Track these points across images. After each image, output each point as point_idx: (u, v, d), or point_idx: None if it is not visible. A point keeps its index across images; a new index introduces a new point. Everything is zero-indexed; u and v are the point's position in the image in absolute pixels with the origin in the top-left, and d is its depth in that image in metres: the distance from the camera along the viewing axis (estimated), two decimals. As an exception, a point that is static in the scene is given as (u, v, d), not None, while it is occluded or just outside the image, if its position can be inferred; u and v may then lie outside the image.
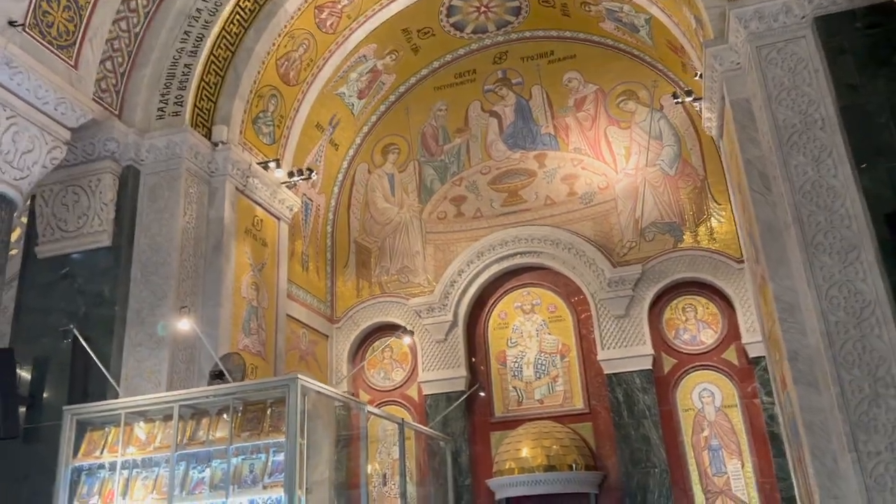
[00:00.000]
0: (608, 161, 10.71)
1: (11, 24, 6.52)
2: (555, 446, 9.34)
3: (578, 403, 9.90)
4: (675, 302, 9.91)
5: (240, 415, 6.27)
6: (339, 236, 11.64)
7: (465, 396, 9.92)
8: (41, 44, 6.92)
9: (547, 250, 10.46)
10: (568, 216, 10.60)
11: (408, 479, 8.61)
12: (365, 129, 11.88)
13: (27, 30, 6.72)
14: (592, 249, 10.19)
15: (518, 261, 10.65)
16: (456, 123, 11.67)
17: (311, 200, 11.01)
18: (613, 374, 9.62)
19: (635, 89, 10.91)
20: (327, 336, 10.97)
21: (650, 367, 9.55)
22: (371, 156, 11.88)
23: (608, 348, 9.76)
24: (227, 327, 8.13)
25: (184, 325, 6.80)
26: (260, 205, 9.27)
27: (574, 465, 9.23)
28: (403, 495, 7.91)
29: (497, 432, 10.10)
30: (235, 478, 6.03)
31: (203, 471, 6.19)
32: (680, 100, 9.12)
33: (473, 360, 10.49)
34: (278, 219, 9.69)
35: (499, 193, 11.11)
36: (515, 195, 11.03)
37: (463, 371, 10.30)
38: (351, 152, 11.84)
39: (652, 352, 9.60)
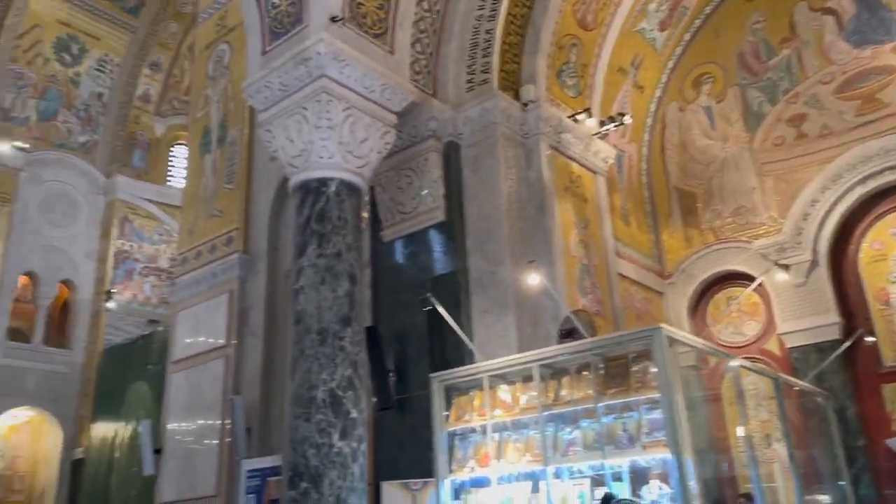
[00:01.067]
0: None
1: (333, 19, 6.90)
2: (981, 396, 7.43)
3: None
4: None
5: (601, 371, 5.87)
6: (657, 185, 10.76)
7: (847, 345, 8.38)
8: (360, 35, 7.25)
9: (928, 159, 8.43)
10: (951, 113, 8.44)
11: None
12: (670, 63, 10.82)
13: (346, 23, 7.08)
14: None
15: (889, 178, 8.75)
16: (779, 33, 10.04)
17: (623, 151, 10.31)
18: None
19: None
20: (660, 293, 10.18)
21: None
22: (681, 91, 10.77)
23: None
24: (564, 287, 7.82)
25: (533, 279, 6.61)
26: (575, 160, 8.84)
27: None
28: (792, 458, 6.84)
29: (889, 384, 8.40)
30: (609, 437, 5.62)
31: (571, 432, 5.89)
32: None
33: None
34: (594, 172, 9.17)
35: (849, 102, 9.27)
36: (872, 100, 9.11)
37: (834, 316, 8.76)
38: (658, 92, 10.87)
39: None
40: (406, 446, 7.41)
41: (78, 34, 17.99)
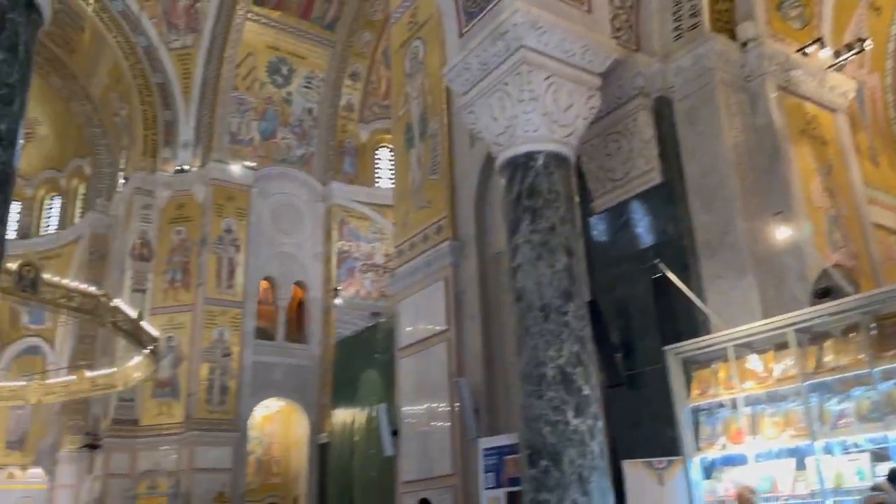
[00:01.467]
0: None
1: (525, -12, 6.66)
2: None
3: None
4: None
5: (874, 332, 5.07)
6: (910, 117, 9.25)
7: None
8: (556, -1, 6.94)
9: None
10: None
11: None
12: (915, -26, 9.23)
13: (542, -12, 6.80)
14: None
15: None
16: None
17: (864, 83, 8.96)
18: None
19: None
20: (926, 241, 8.72)
21: None
22: (932, 5, 9.15)
23: None
24: (809, 241, 6.94)
25: (781, 233, 5.90)
26: (808, 99, 7.82)
27: None
28: None
29: None
30: (890, 406, 4.85)
31: (841, 402, 5.17)
32: None
33: None
34: (833, 110, 8.05)
35: None
36: None
37: None
38: (902, 11, 9.32)
39: None
40: (641, 424, 7.03)
41: (286, 56, 19.60)
